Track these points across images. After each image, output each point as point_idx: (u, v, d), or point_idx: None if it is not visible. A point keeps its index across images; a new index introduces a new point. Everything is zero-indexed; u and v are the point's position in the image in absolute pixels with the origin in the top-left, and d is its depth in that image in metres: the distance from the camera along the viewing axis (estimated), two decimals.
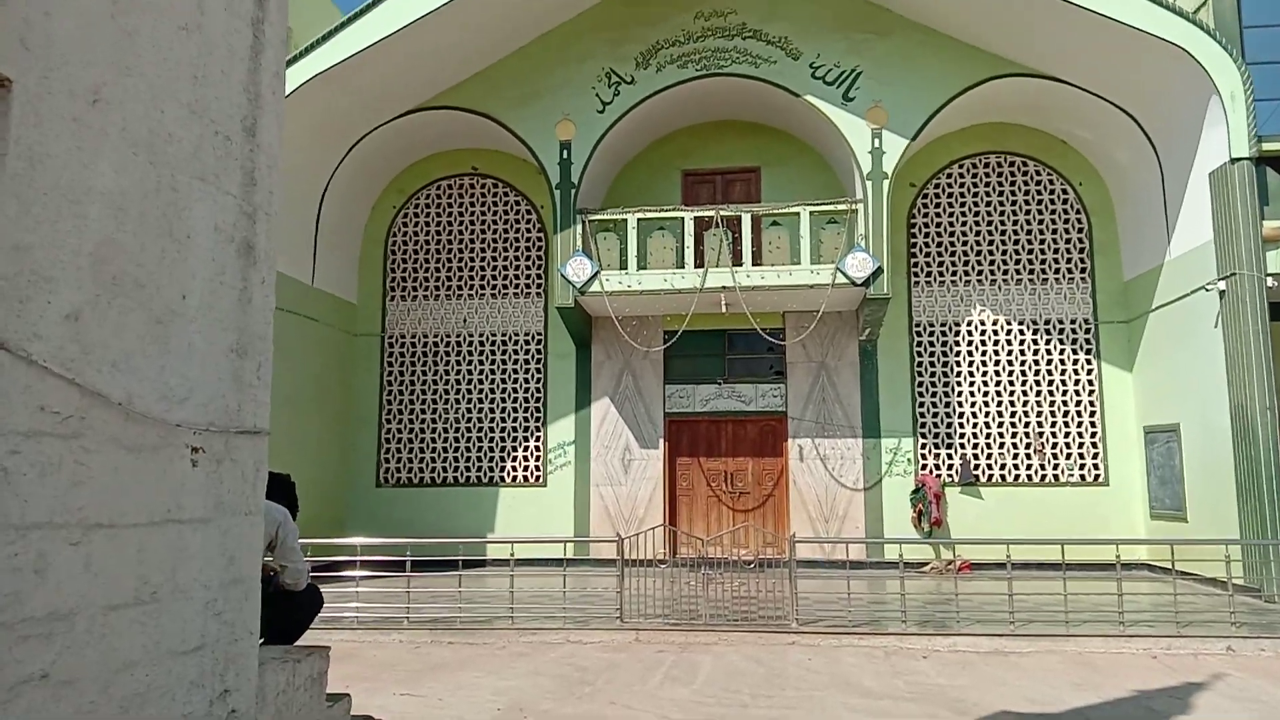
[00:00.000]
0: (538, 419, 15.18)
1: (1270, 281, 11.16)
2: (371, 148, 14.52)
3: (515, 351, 15.41)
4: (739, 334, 14.81)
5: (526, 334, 15.42)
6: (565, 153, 13.70)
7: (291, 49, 12.78)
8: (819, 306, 13.69)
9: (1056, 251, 14.72)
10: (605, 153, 14.03)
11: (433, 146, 15.46)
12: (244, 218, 3.04)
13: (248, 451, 3.07)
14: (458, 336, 15.53)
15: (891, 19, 13.58)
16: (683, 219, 13.49)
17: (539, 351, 15.34)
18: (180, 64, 2.66)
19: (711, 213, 13.47)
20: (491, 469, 15.17)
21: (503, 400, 15.30)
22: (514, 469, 15.14)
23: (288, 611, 4.33)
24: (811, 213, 13.38)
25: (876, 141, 13.31)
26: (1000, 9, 12.51)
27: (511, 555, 9.49)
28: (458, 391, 15.42)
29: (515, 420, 15.23)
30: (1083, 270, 14.64)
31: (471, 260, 15.64)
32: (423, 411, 15.43)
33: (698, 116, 15.01)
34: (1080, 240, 14.70)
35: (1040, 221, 14.80)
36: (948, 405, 14.56)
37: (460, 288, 15.62)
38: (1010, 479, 14.35)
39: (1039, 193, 14.86)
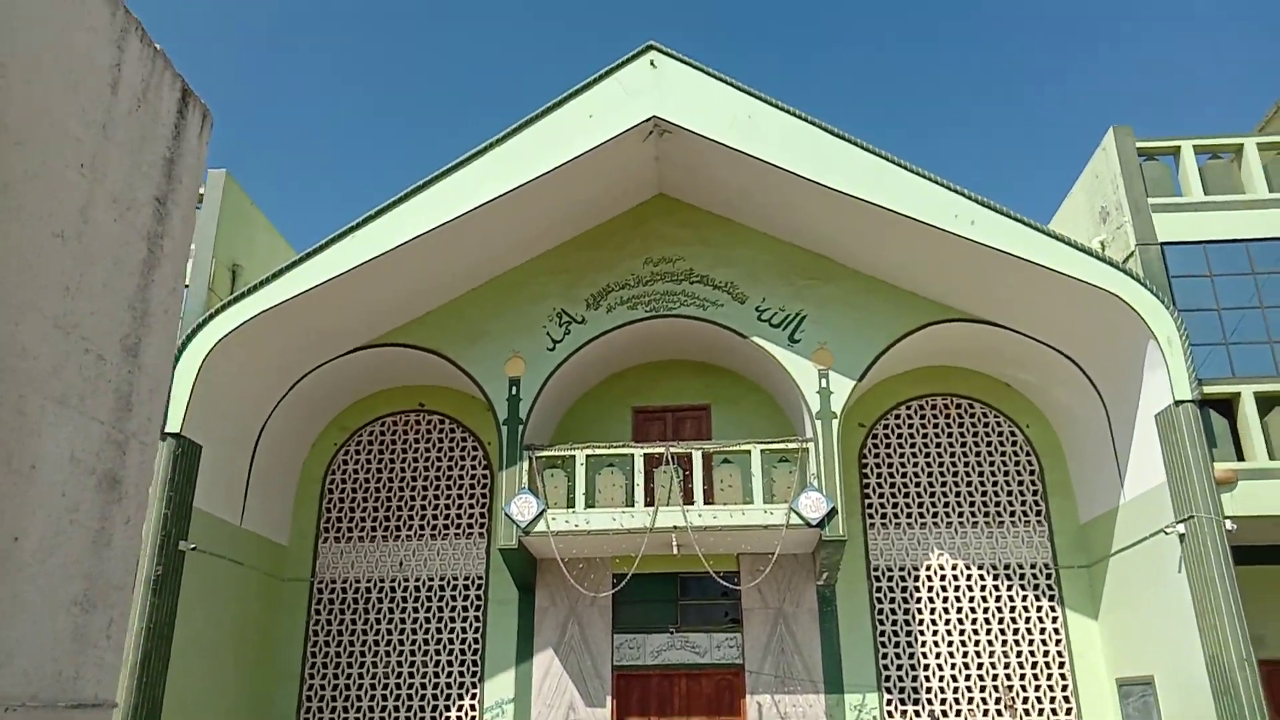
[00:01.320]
0: (474, 673, 14.02)
1: (1229, 525, 10.96)
2: (315, 384, 14.23)
3: (453, 598, 14.47)
4: (692, 578, 14.14)
5: (466, 578, 14.56)
6: (514, 389, 13.53)
7: (240, 285, 12.76)
8: (774, 548, 13.17)
9: (1010, 494, 14.56)
10: (555, 389, 13.90)
11: (379, 383, 15.24)
12: (111, 447, 2.58)
13: None
14: (392, 581, 14.60)
15: (832, 266, 14.05)
16: (633, 455, 13.17)
17: (479, 598, 14.42)
18: (48, 273, 2.31)
19: (662, 449, 13.19)
20: None
21: (437, 653, 14.18)
22: None
23: None
24: (763, 451, 13.16)
25: (824, 382, 13.37)
26: (935, 258, 13.00)
27: None
28: (389, 643, 14.29)
29: (450, 675, 14.05)
30: (1038, 513, 14.43)
31: (412, 499, 15.02)
32: (349, 666, 14.20)
33: (648, 355, 15.09)
34: (1033, 482, 14.60)
35: (991, 463, 14.74)
36: (912, 656, 13.77)
37: (398, 529, 14.88)
38: None
39: (988, 434, 14.90)
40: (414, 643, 14.26)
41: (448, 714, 13.86)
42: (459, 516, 14.89)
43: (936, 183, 12.37)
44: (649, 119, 12.61)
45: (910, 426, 15.00)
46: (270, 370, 13.35)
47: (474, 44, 42.95)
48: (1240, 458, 11.82)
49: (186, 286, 12.39)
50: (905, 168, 12.39)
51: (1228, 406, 12.11)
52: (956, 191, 12.36)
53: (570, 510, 12.94)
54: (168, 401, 11.69)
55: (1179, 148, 13.13)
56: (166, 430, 11.69)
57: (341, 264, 12.35)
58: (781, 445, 13.28)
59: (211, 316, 12.11)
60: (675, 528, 12.74)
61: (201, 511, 12.16)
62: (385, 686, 14.06)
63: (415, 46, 42.86)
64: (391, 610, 14.46)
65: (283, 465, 14.53)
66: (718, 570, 13.37)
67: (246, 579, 13.35)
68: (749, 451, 13.21)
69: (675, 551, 13.15)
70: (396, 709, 13.93)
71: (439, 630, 14.32)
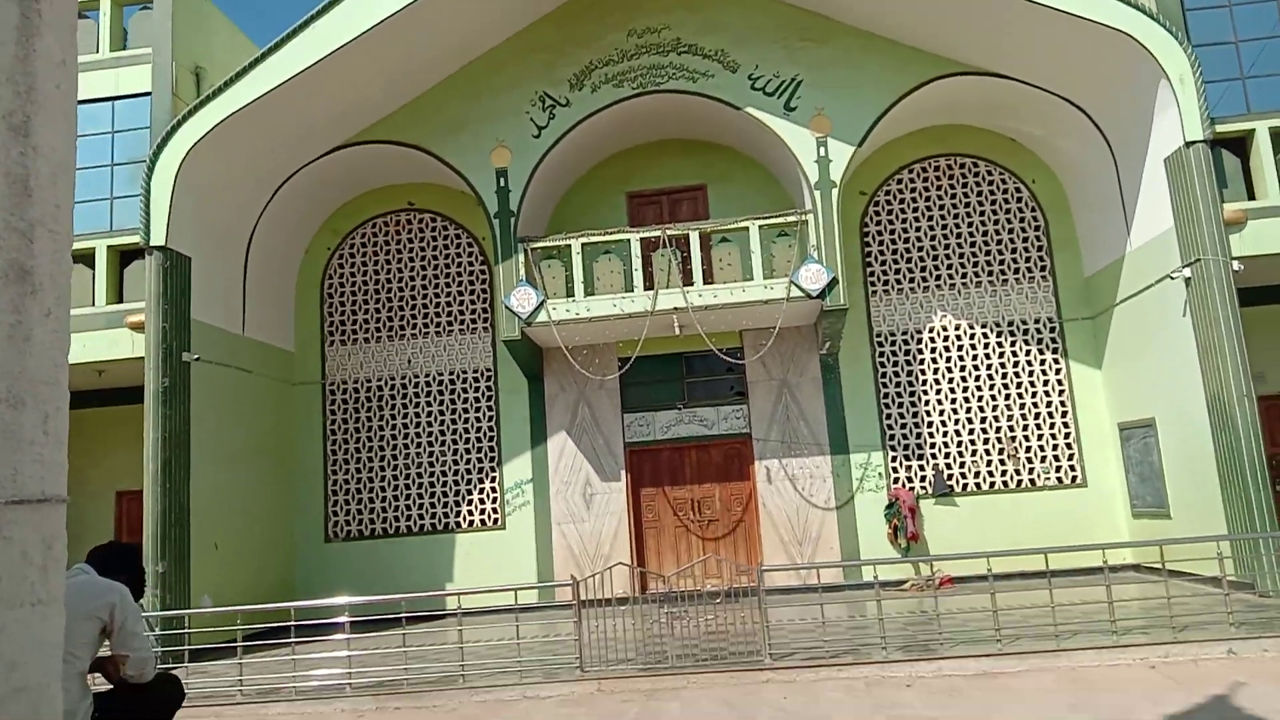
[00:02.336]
0: (492, 459, 14.50)
1: (1236, 265, 10.79)
2: (299, 188, 13.87)
3: (464, 390, 14.74)
4: (696, 356, 14.28)
5: (475, 371, 14.76)
6: (502, 180, 13.15)
7: (206, 88, 12.18)
8: (775, 322, 13.18)
9: (1014, 251, 14.36)
10: (544, 178, 13.51)
11: (366, 184, 14.85)
12: (14, 235, 2.38)
13: (29, 526, 2.39)
14: (403, 379, 14.84)
15: (829, 25, 13.23)
16: (629, 241, 12.96)
17: (489, 389, 14.68)
18: None
19: (658, 233, 12.96)
20: (447, 515, 14.43)
21: (454, 442, 14.61)
22: (470, 513, 14.42)
23: (136, 710, 3.64)
24: (761, 226, 12.91)
25: (822, 150, 12.90)
26: (939, 8, 12.18)
27: (459, 608, 8.79)
28: (406, 436, 14.71)
29: (469, 462, 14.53)
30: (1043, 269, 14.29)
31: (413, 299, 15.00)
32: (370, 460, 14.69)
33: (639, 137, 14.55)
34: (1038, 238, 14.36)
35: (995, 222, 14.45)
36: (915, 416, 14.08)
37: (402, 328, 14.95)
38: (985, 486, 13.87)
39: (992, 193, 14.53)
40: (430, 434, 14.67)
41: (470, 497, 14.45)
42: (461, 313, 14.91)
43: None
44: None
45: (912, 190, 14.63)
46: (250, 176, 12.97)
47: None
48: (1251, 197, 11.50)
49: (149, 94, 11.88)
50: None
51: (1240, 145, 11.66)
52: None
53: (570, 299, 12.89)
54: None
55: None
56: (152, 243, 11.51)
57: (307, 57, 11.72)
58: (780, 219, 13.00)
59: (181, 122, 11.63)
60: (676, 309, 12.71)
61: (201, 323, 12.18)
62: (408, 476, 14.59)
63: None
64: (405, 405, 14.78)
65: (277, 272, 14.43)
66: (721, 347, 13.46)
67: (257, 386, 13.57)
68: (747, 228, 12.95)
69: (678, 332, 13.20)
70: (421, 495, 14.52)
71: (454, 421, 14.68)
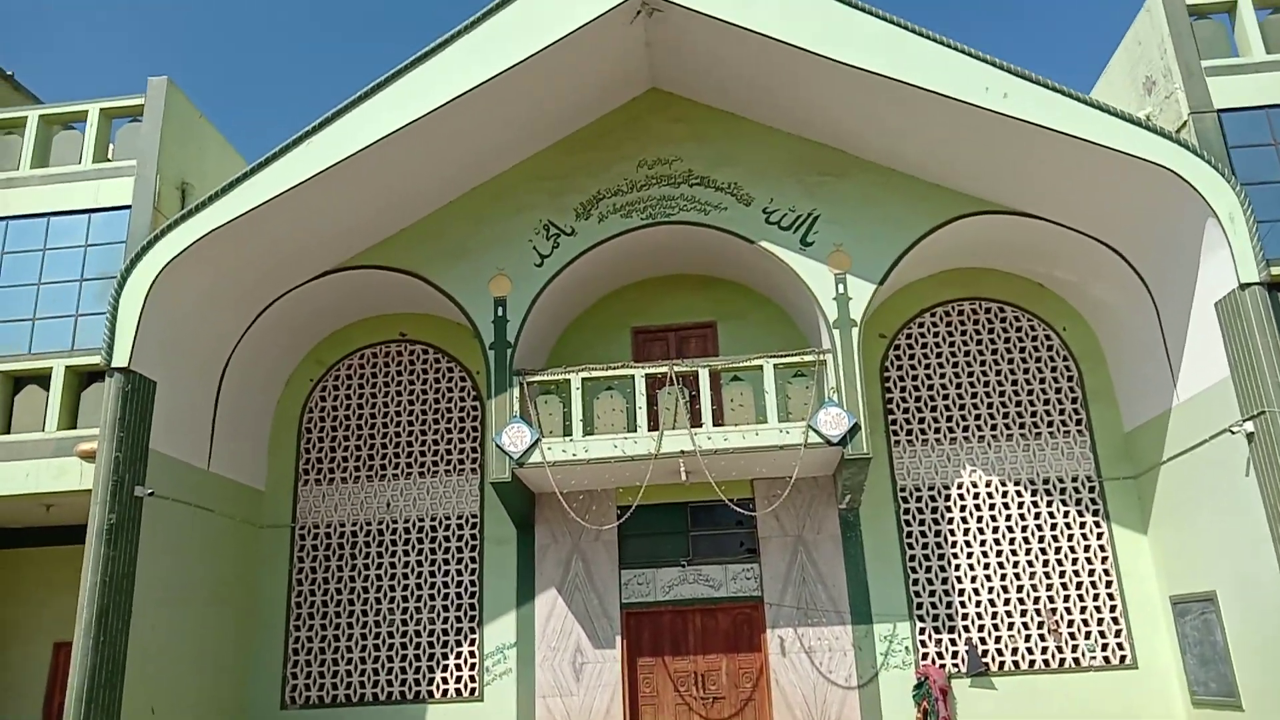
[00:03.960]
0: (472, 618, 13.00)
1: None
2: (285, 313, 13.01)
3: (446, 539, 13.40)
4: (703, 507, 13.05)
5: (459, 518, 13.48)
6: (500, 310, 12.30)
7: (190, 202, 11.50)
8: (792, 471, 12.02)
9: (1046, 403, 13.34)
10: (546, 310, 12.67)
11: (356, 312, 14.02)
12: None
13: None
14: (380, 524, 13.54)
15: (846, 160, 12.68)
16: (633, 377, 11.98)
17: (474, 537, 13.35)
18: None
19: (665, 369, 12.00)
20: (419, 681, 12.83)
21: (431, 598, 13.15)
22: (445, 680, 12.80)
23: None
24: (776, 365, 11.95)
25: (841, 287, 12.10)
26: (962, 142, 11.62)
27: None
28: (379, 589, 13.27)
29: (446, 621, 13.03)
30: (1078, 422, 13.23)
31: (397, 436, 13.89)
32: (338, 615, 13.20)
33: (647, 270, 13.82)
34: (1071, 390, 13.37)
35: (1025, 371, 13.50)
36: (945, 581, 12.69)
37: (384, 467, 13.77)
38: (1025, 665, 12.32)
39: (1020, 340, 13.64)
40: (406, 587, 13.25)
41: (446, 661, 12.88)
42: (448, 452, 13.77)
43: (963, 51, 10.94)
44: None
45: (936, 335, 13.75)
46: (231, 298, 12.11)
47: None
48: None
49: (128, 207, 11.19)
50: (926, 36, 10.96)
51: None
52: (986, 61, 10.93)
53: (567, 438, 11.79)
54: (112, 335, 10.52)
55: (1235, 3, 11.68)
56: (114, 365, 10.52)
57: (300, 173, 11.04)
58: (796, 358, 12.05)
59: (158, 237, 10.85)
60: (683, 452, 11.59)
61: (160, 454, 11.03)
62: (378, 635, 13.07)
63: None
64: (380, 554, 13.42)
65: (254, 404, 13.38)
66: (731, 498, 12.25)
67: (218, 526, 12.27)
68: (761, 366, 11.99)
69: (684, 479, 12.02)
70: (391, 658, 12.97)
71: (432, 574, 13.28)
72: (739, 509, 12.44)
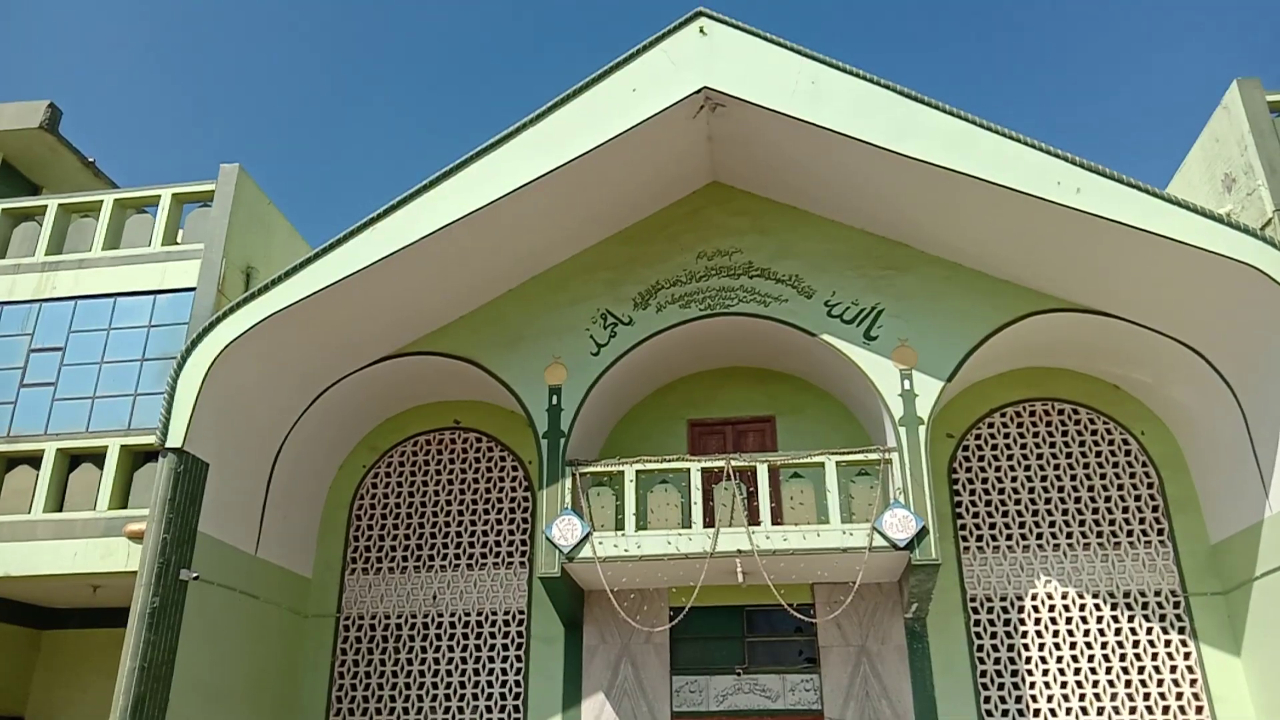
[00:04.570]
0: None
1: None
2: (341, 398, 12.97)
3: (492, 635, 12.94)
4: (760, 611, 12.46)
5: (506, 613, 13.03)
6: (555, 398, 12.10)
7: (254, 286, 11.61)
8: (855, 576, 11.42)
9: (1125, 511, 12.61)
10: (601, 400, 12.44)
11: (411, 398, 13.95)
12: None
13: None
14: (425, 617, 13.15)
15: (911, 254, 12.42)
16: (689, 470, 11.60)
17: (520, 635, 12.88)
18: None
19: (722, 463, 11.60)
20: None
21: (475, 697, 12.64)
22: None
23: None
24: (838, 463, 11.48)
25: (907, 383, 11.68)
26: (1033, 237, 11.28)
27: None
28: (421, 686, 12.80)
29: None
30: (1160, 532, 12.45)
31: (446, 525, 13.61)
32: (378, 712, 12.73)
33: (704, 362, 13.58)
34: (1151, 497, 12.63)
35: (1102, 476, 12.82)
36: (1019, 700, 11.83)
37: (432, 558, 13.45)
38: None
39: (1096, 444, 13.00)
40: (449, 685, 12.76)
41: None
42: (498, 544, 13.42)
43: (1034, 146, 10.68)
44: (699, 90, 11.21)
45: (1006, 436, 13.18)
46: (288, 382, 12.11)
47: (506, 21, 41.97)
48: None
49: (193, 289, 11.33)
50: (997, 131, 10.75)
51: None
52: (1057, 155, 10.66)
53: (619, 533, 11.39)
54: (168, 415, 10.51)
55: None
56: (168, 445, 10.48)
57: (361, 259, 11.09)
58: (860, 455, 11.58)
59: (220, 319, 10.93)
60: (740, 552, 11.10)
61: (209, 538, 10.88)
62: None
63: (444, 28, 42.15)
64: (424, 649, 12.99)
65: (306, 489, 13.25)
66: (790, 602, 11.66)
67: (263, 614, 12.01)
68: (822, 464, 11.53)
69: (740, 580, 11.50)
70: None
71: (476, 672, 12.79)
72: (799, 615, 11.83)
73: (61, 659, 13.63)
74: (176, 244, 12.06)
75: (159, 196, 12.31)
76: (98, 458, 11.17)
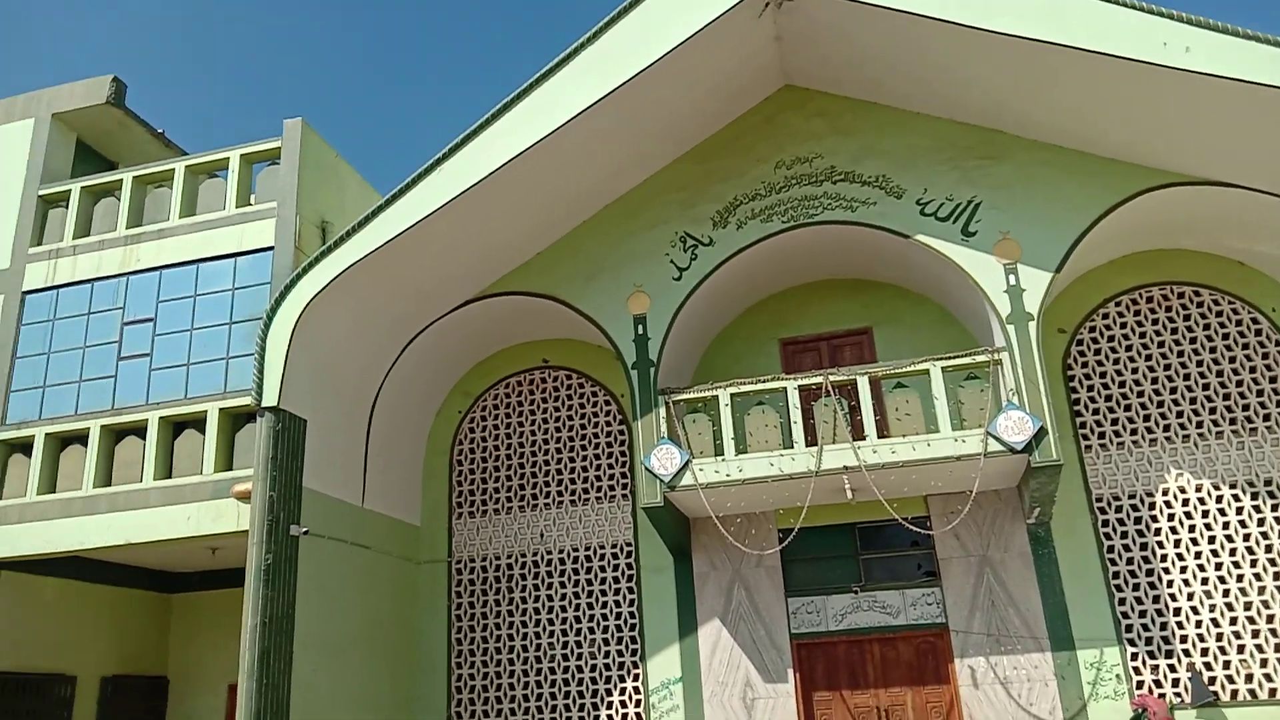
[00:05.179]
0: (634, 652, 12.42)
1: None
2: (429, 346, 12.93)
3: (601, 569, 12.90)
4: (873, 527, 12.08)
5: (614, 546, 12.96)
6: (640, 328, 11.78)
7: (328, 240, 11.54)
8: (971, 485, 10.91)
9: (1260, 394, 11.71)
10: (687, 325, 12.07)
11: (499, 341, 13.84)
12: None
13: None
14: (535, 555, 13.18)
15: (1007, 140, 11.58)
16: (785, 389, 11.19)
17: (629, 566, 12.80)
18: None
19: (819, 379, 11.15)
20: (584, 719, 12.30)
21: (591, 631, 12.66)
22: (610, 718, 12.24)
23: None
24: (944, 369, 10.91)
25: (1012, 278, 10.97)
26: (1140, 108, 10.33)
27: None
28: (538, 624, 12.88)
29: (608, 655, 12.50)
30: None
31: (546, 465, 13.55)
32: (498, 651, 12.88)
33: (793, 277, 13.05)
34: None
35: (1231, 360, 11.91)
36: (1158, 600, 11.22)
37: (536, 497, 13.44)
38: (1264, 694, 10.70)
39: (1222, 326, 12.07)
40: (565, 621, 12.80)
41: (609, 698, 12.32)
42: (599, 479, 13.30)
43: (1132, 6, 9.68)
44: None
45: (1124, 326, 12.34)
46: (375, 333, 12.10)
47: None
48: None
49: (271, 248, 11.31)
50: None
51: None
52: (1160, 13, 9.65)
53: (719, 458, 11.09)
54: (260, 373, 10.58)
55: None
56: (263, 405, 10.56)
57: (432, 202, 10.87)
58: (968, 359, 10.97)
59: (299, 275, 10.90)
60: (846, 468, 10.69)
61: (314, 492, 11.00)
62: (539, 672, 12.66)
63: None
64: (537, 587, 13.05)
65: (405, 437, 13.34)
66: (904, 516, 11.22)
67: (375, 564, 12.18)
68: (927, 371, 10.97)
69: (849, 497, 11.08)
70: (554, 695, 12.52)
71: (590, 606, 12.79)
72: (914, 528, 11.39)
73: (193, 621, 14.16)
74: (250, 205, 12.06)
75: (228, 159, 12.30)
76: (199, 423, 11.37)
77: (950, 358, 11.00)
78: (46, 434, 11.71)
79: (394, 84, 43.22)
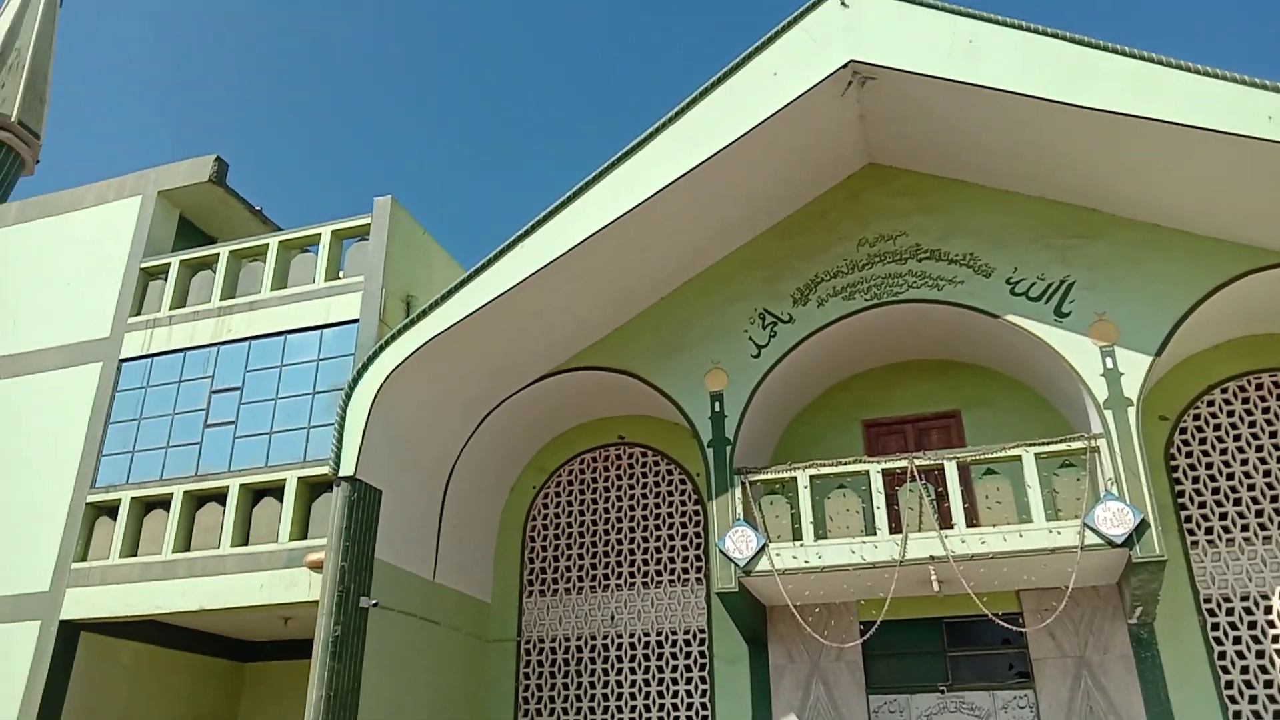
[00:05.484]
0: None
1: None
2: (507, 420, 12.92)
3: (673, 655, 12.47)
4: (961, 623, 11.44)
5: (686, 632, 12.54)
6: (717, 405, 11.56)
7: (410, 313, 11.69)
8: (1067, 580, 10.25)
9: None
10: (766, 403, 11.81)
11: (575, 416, 13.76)
12: None
13: None
14: (605, 638, 12.82)
15: (1100, 219, 11.19)
16: (868, 472, 10.78)
17: (702, 654, 12.34)
18: None
19: (904, 463, 10.71)
20: None
21: None
22: None
23: None
24: (1038, 455, 10.38)
25: (1109, 361, 10.46)
26: (1243, 184, 9.88)
27: None
28: (606, 710, 12.45)
29: None
30: None
31: (619, 544, 13.28)
32: None
33: (876, 357, 12.72)
34: None
35: None
36: (1278, 714, 10.27)
37: (607, 577, 13.15)
38: None
39: None
40: (634, 710, 12.35)
41: None
42: (671, 560, 12.97)
43: (1231, 80, 9.32)
44: (845, 65, 10.49)
45: (1231, 415, 11.64)
46: (453, 406, 12.14)
47: (637, 34, 42.13)
48: None
49: (356, 321, 11.51)
50: (1184, 67, 9.44)
51: None
52: (1262, 86, 9.26)
53: (797, 543, 10.68)
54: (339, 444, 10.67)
55: None
56: (340, 474, 10.61)
57: (514, 275, 10.94)
58: (1063, 445, 10.42)
59: (382, 348, 11.04)
60: (933, 558, 10.17)
61: (386, 564, 10.94)
62: None
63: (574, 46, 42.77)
64: (606, 671, 12.66)
65: (479, 512, 13.26)
66: (995, 611, 10.59)
67: (444, 640, 11.99)
68: (1019, 457, 10.45)
69: (936, 590, 10.51)
70: None
71: (661, 694, 12.33)
72: (1006, 624, 10.72)
73: (263, 691, 14.14)
74: (339, 279, 12.36)
75: (319, 235, 12.68)
76: (277, 491, 11.48)
77: (1044, 443, 10.47)
78: (132, 498, 11.98)
79: (483, 163, 44.79)
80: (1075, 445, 10.36)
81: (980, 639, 11.39)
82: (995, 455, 10.59)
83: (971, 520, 10.41)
